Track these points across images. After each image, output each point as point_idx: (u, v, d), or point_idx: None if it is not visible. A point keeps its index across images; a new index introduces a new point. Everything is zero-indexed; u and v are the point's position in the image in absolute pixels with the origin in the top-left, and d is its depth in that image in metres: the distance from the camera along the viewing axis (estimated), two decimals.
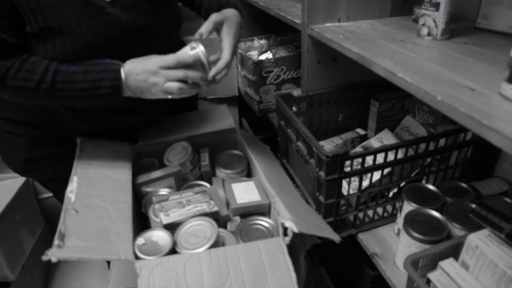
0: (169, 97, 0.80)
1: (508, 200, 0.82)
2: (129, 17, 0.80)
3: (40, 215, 1.64)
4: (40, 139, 0.88)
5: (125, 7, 0.80)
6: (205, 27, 0.82)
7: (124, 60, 0.80)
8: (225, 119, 1.10)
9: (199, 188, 0.88)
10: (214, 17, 0.85)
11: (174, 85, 0.78)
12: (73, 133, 0.93)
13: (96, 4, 0.76)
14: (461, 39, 0.80)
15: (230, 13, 0.87)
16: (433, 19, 0.78)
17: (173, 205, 0.81)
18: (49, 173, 1.00)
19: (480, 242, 0.67)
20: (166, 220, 0.78)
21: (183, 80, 0.79)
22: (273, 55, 1.50)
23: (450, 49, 0.75)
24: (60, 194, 0.78)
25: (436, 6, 0.77)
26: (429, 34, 0.80)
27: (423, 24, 0.80)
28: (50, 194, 1.69)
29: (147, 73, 0.77)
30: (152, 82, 0.78)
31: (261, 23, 1.83)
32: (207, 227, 0.76)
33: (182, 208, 0.80)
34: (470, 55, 0.71)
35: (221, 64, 0.82)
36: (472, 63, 0.67)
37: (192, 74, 0.79)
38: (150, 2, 0.84)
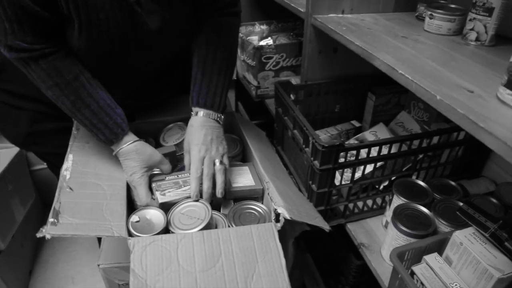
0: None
1: (494, 200, 0.85)
2: (150, 21, 0.80)
3: (32, 186, 1.64)
4: (44, 114, 0.87)
5: (149, 11, 0.79)
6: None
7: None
8: None
9: None
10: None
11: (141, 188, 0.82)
12: None
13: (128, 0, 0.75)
14: (462, 40, 0.81)
15: (191, 129, 0.88)
16: (483, 25, 0.76)
17: (170, 185, 0.82)
18: (49, 147, 1.00)
19: (465, 239, 0.69)
20: (162, 199, 0.79)
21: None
22: (274, 41, 1.49)
23: (451, 49, 0.76)
24: (56, 167, 0.79)
25: (489, 12, 0.74)
26: (477, 39, 0.78)
27: (472, 29, 0.78)
28: (43, 166, 1.69)
29: (142, 154, 0.84)
30: (134, 166, 0.83)
31: (263, 8, 1.81)
32: (201, 208, 0.77)
33: (178, 188, 0.81)
34: (470, 56, 0.72)
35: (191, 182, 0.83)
36: (472, 64, 0.68)
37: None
38: (171, 12, 0.83)
